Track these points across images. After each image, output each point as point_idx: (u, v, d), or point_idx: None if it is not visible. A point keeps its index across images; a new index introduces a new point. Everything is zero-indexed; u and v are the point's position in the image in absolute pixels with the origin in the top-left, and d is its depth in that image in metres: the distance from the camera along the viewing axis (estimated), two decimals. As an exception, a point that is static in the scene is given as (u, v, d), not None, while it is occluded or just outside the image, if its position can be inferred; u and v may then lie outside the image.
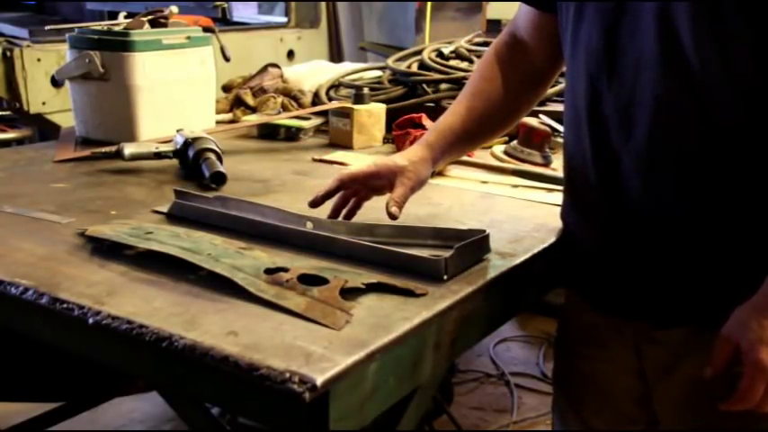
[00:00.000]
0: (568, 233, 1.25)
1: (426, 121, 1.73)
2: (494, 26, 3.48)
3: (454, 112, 1.29)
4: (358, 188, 1.26)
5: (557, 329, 1.38)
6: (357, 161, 1.72)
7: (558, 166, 1.68)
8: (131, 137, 1.77)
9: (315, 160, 1.74)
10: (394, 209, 1.19)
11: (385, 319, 0.92)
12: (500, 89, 1.29)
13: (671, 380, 1.15)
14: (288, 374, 0.78)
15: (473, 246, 1.11)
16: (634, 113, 1.05)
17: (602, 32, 1.07)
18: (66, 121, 2.18)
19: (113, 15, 2.31)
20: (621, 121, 1.07)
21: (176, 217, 1.28)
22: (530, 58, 1.29)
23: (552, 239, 1.24)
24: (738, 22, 0.95)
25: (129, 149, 1.59)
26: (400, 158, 1.25)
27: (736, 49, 0.96)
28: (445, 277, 1.03)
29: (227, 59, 2.04)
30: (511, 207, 1.41)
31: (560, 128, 1.71)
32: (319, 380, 0.78)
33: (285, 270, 1.01)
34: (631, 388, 1.22)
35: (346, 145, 1.86)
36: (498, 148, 1.73)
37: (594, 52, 1.09)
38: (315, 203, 1.25)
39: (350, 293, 0.97)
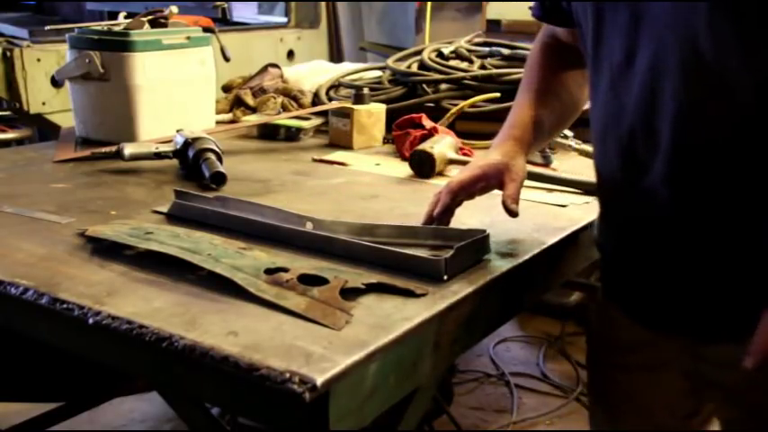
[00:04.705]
0: (605, 248, 1.22)
1: (426, 121, 1.73)
2: (494, 26, 3.49)
3: (528, 106, 1.27)
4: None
5: (590, 341, 1.35)
6: (357, 161, 1.73)
7: (557, 166, 1.68)
8: (131, 137, 1.77)
9: (315, 160, 1.74)
10: (514, 206, 1.17)
11: (385, 319, 0.92)
12: (561, 84, 1.29)
13: (718, 397, 1.13)
14: (288, 375, 0.78)
15: (473, 246, 1.11)
16: (658, 123, 1.02)
17: (622, 44, 1.05)
18: (66, 121, 2.18)
19: (113, 15, 2.31)
20: (646, 132, 1.04)
21: (176, 217, 1.28)
22: (576, 54, 1.25)
23: (552, 240, 1.24)
24: (759, 22, 0.92)
25: (129, 149, 1.59)
26: (500, 156, 1.21)
27: (758, 51, 0.94)
28: (445, 277, 1.03)
29: (227, 59, 2.04)
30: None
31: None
32: (319, 380, 0.78)
33: (285, 270, 1.01)
34: (673, 405, 1.19)
35: (346, 145, 1.86)
36: (498, 148, 1.73)
37: (616, 65, 1.07)
38: (431, 221, 1.20)
39: (350, 293, 0.97)
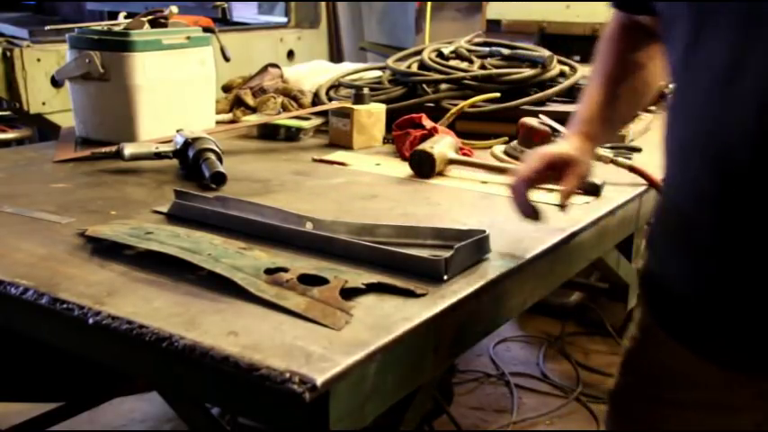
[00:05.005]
0: (672, 278, 1.09)
1: (426, 121, 1.73)
2: (494, 26, 3.49)
3: (598, 100, 1.22)
4: None
5: (628, 370, 1.22)
6: (357, 161, 1.73)
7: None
8: (131, 137, 1.78)
9: (315, 160, 1.74)
10: (565, 201, 1.16)
11: (385, 319, 0.92)
12: (635, 70, 1.22)
13: None
14: (288, 374, 0.78)
15: (473, 246, 1.11)
16: None
17: (729, 47, 0.92)
18: (66, 121, 2.18)
19: (113, 15, 2.31)
20: (762, 150, 0.90)
21: (176, 217, 1.28)
22: (655, 37, 1.17)
23: (552, 240, 1.24)
24: None
25: (129, 149, 1.59)
26: (569, 148, 1.18)
27: None
28: (445, 277, 1.03)
29: (227, 59, 2.04)
30: (511, 207, 1.41)
31: (560, 128, 1.71)
32: (319, 380, 0.78)
33: (285, 270, 1.01)
34: None
35: (346, 145, 1.86)
36: (498, 148, 1.73)
37: (719, 72, 0.93)
38: (530, 213, 1.17)
39: (350, 293, 0.97)
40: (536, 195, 1.45)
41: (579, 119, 1.23)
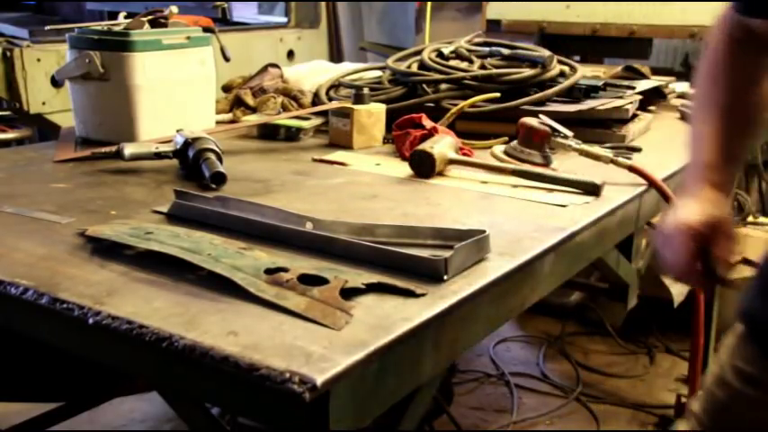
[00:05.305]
0: None
1: (426, 121, 1.73)
2: (494, 26, 3.49)
3: (718, 139, 1.10)
4: None
5: (722, 419, 1.14)
6: (357, 161, 1.73)
7: (557, 166, 1.68)
8: (131, 137, 1.77)
9: (315, 160, 1.74)
10: (725, 272, 1.08)
11: (385, 319, 0.92)
12: (756, 89, 1.11)
13: None
14: (288, 374, 0.78)
15: (473, 246, 1.11)
16: None
17: None
18: (66, 121, 2.18)
19: (113, 15, 2.31)
20: None
21: (176, 217, 1.28)
22: None
23: (552, 240, 1.24)
24: None
25: (129, 149, 1.59)
26: (713, 208, 1.08)
27: None
28: (445, 277, 1.03)
29: (227, 59, 2.04)
30: (511, 207, 1.41)
31: (560, 128, 1.71)
32: (319, 380, 0.78)
33: (285, 270, 1.01)
34: None
35: (346, 145, 1.86)
36: (498, 148, 1.73)
37: None
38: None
39: (350, 293, 0.97)
40: (535, 195, 1.46)
41: (702, 165, 1.11)
